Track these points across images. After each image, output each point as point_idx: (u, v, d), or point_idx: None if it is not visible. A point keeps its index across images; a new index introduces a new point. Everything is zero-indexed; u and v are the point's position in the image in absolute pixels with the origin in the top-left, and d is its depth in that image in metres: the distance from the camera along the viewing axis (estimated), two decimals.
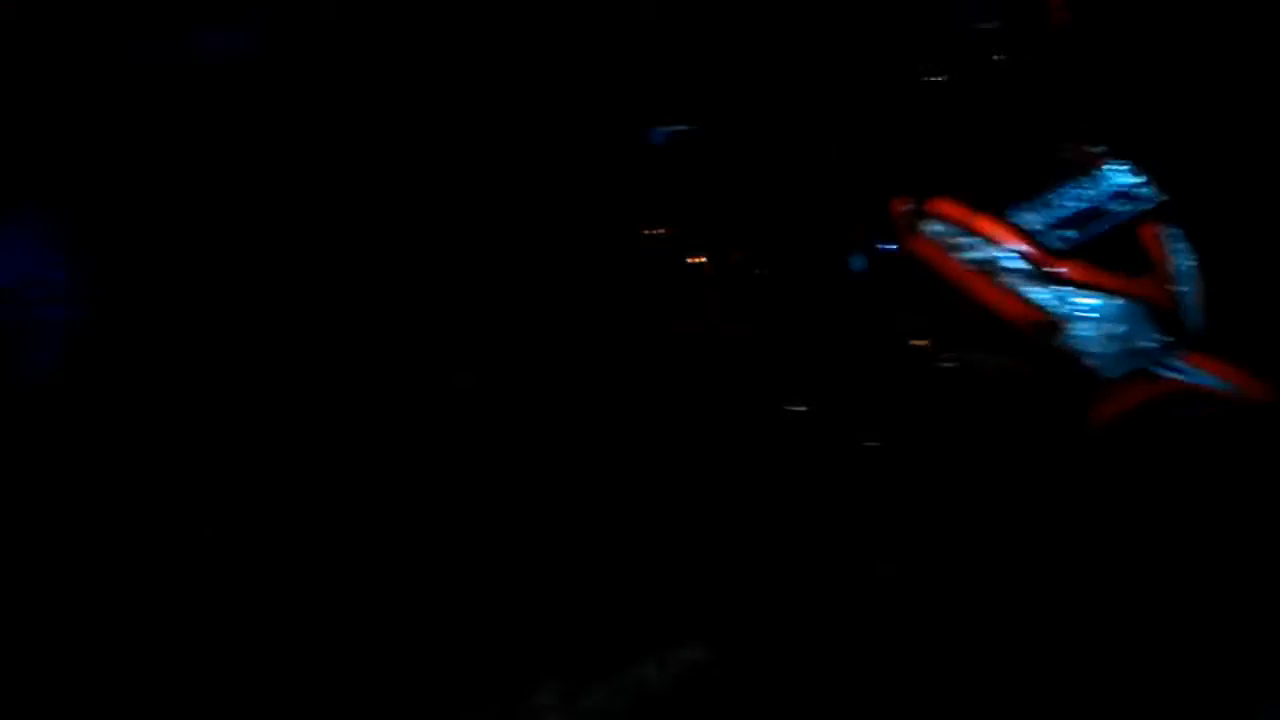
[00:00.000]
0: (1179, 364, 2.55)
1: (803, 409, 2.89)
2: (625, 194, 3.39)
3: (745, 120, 3.19)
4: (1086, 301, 2.54)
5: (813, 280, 3.02)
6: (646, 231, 3.28)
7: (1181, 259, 2.66)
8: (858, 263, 2.87)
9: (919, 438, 2.72)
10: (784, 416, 2.90)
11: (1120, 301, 2.54)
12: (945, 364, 2.67)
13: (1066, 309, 2.54)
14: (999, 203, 2.65)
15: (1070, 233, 2.61)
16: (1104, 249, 2.60)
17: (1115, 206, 2.66)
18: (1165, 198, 2.69)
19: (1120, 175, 2.70)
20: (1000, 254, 2.59)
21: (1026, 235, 2.59)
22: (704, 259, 3.17)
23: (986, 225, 2.62)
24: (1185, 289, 2.62)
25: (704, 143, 3.21)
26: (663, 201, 3.28)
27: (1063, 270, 2.55)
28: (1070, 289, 2.54)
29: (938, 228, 2.67)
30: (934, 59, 2.92)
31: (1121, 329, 2.54)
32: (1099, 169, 2.70)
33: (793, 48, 3.34)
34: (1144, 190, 2.69)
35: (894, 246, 2.77)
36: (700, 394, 3.06)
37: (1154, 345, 2.55)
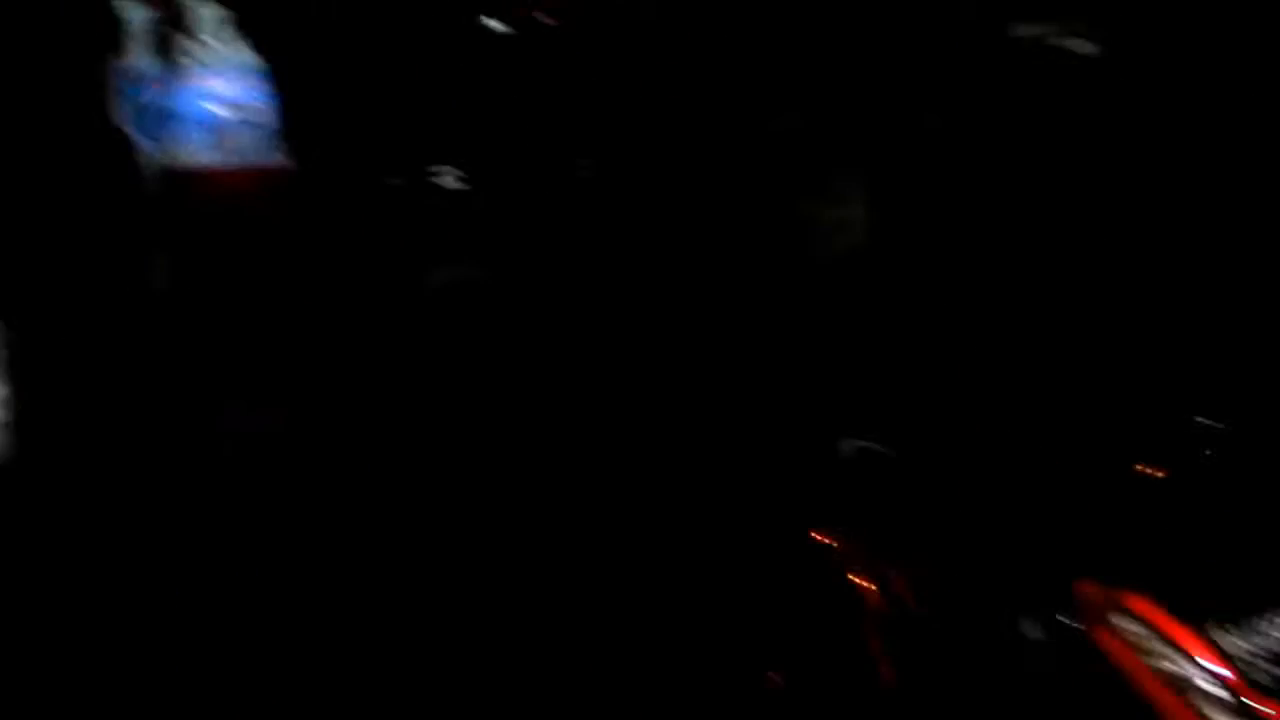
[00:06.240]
0: None
1: None
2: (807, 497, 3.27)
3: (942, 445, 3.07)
4: None
5: (977, 632, 2.83)
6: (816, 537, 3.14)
7: None
8: (1033, 630, 2.68)
9: None
10: None
11: None
12: None
13: None
14: (1201, 611, 2.45)
15: None
16: None
17: None
18: None
19: None
20: (1198, 674, 2.38)
21: (1229, 659, 2.38)
22: (869, 583, 3.01)
23: (1186, 638, 2.41)
24: None
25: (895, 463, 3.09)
26: (842, 511, 3.14)
27: (1270, 713, 2.32)
28: None
29: (1131, 625, 2.47)
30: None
31: None
32: None
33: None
34: None
35: (1078, 626, 2.58)
36: None
37: None
